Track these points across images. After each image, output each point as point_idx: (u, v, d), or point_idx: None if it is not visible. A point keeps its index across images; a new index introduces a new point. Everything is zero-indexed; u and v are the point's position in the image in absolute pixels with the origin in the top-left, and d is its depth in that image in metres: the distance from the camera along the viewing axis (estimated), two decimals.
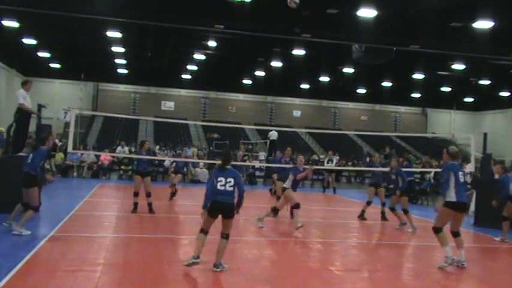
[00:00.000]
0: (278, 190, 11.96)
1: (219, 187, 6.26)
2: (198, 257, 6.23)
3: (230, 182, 6.28)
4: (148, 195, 11.03)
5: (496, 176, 10.85)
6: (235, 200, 6.38)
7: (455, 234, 7.18)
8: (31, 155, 8.36)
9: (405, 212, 10.72)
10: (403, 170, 11.31)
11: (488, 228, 10.98)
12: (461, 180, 7.06)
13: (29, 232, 7.98)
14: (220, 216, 6.36)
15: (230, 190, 6.27)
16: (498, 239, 9.70)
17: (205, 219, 6.37)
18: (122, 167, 21.92)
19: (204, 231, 6.39)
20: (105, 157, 21.61)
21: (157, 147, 26.00)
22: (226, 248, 6.35)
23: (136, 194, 11.09)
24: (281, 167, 12.25)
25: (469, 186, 16.56)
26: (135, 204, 11.10)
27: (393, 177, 11.09)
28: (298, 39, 22.10)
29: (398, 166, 11.28)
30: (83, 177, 20.73)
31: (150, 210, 10.97)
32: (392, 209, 10.87)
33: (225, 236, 6.34)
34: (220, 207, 6.28)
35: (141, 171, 11.21)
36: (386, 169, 11.87)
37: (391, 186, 11.65)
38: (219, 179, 6.29)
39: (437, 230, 7.13)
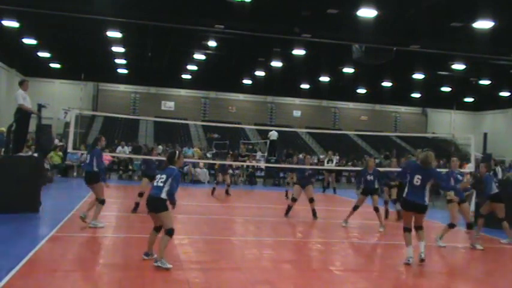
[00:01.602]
0: (296, 192, 11.84)
1: (154, 183, 6.55)
2: (148, 254, 6.55)
3: (162, 178, 6.38)
4: None
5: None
6: (164, 195, 6.31)
7: (416, 228, 7.33)
8: (88, 156, 9.20)
9: (376, 210, 10.73)
10: (380, 171, 11.29)
11: (488, 228, 10.96)
12: (416, 183, 7.17)
13: (102, 225, 8.95)
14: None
15: (160, 185, 6.34)
16: (505, 241, 9.47)
17: (151, 217, 6.59)
18: (121, 167, 21.91)
19: (155, 227, 6.56)
20: (105, 157, 21.56)
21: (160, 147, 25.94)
22: (166, 244, 6.28)
23: (141, 195, 11.15)
24: (299, 169, 12.27)
25: (469, 186, 16.56)
26: (137, 204, 11.13)
27: (369, 178, 10.79)
28: (298, 39, 22.10)
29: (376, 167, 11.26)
30: (83, 177, 20.69)
31: None
32: (377, 209, 10.81)
33: (165, 232, 6.30)
34: (149, 201, 6.43)
35: (149, 175, 11.35)
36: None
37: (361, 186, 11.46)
38: (156, 176, 6.57)
39: (404, 229, 7.37)
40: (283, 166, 21.62)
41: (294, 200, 11.84)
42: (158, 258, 6.24)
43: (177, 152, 6.82)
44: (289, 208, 11.88)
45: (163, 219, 6.33)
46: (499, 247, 9.39)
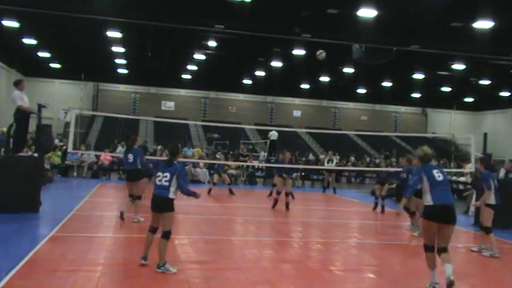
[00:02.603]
0: (279, 185, 13.38)
1: (157, 182, 6.31)
2: (145, 259, 6.26)
3: (166, 176, 6.21)
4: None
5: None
6: (172, 195, 6.23)
7: (440, 250, 5.84)
8: (130, 155, 9.71)
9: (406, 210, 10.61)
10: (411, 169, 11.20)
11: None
12: (439, 178, 5.83)
13: (142, 219, 9.58)
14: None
15: (165, 185, 6.19)
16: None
17: (151, 216, 6.41)
18: (121, 167, 21.89)
19: (151, 228, 6.35)
20: (105, 157, 21.59)
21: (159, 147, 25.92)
22: (166, 248, 6.13)
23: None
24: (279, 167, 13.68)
25: (469, 186, 16.59)
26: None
27: (403, 176, 11.03)
28: (298, 39, 22.10)
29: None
30: (83, 177, 20.74)
31: None
32: (407, 209, 10.49)
33: (163, 234, 6.13)
34: (155, 200, 6.28)
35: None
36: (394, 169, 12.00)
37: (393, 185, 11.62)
38: (158, 174, 6.34)
39: (425, 248, 5.95)
40: (284, 166, 21.58)
41: (278, 193, 13.26)
42: (161, 263, 6.09)
43: (179, 145, 6.79)
44: (275, 201, 13.22)
45: (165, 220, 6.18)
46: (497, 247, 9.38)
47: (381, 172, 14.43)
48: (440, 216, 5.74)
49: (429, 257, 5.89)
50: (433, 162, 6.34)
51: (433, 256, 5.86)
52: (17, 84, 10.66)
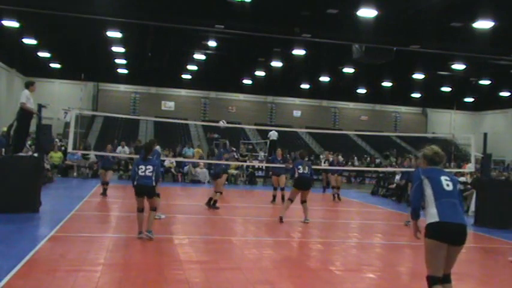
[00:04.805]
0: (274, 182, 15.02)
1: (140, 173, 7.83)
2: (141, 232, 7.88)
3: (149, 168, 7.85)
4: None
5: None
6: (154, 183, 7.97)
7: (444, 278, 4.70)
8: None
9: None
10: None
11: (488, 228, 10.97)
12: (448, 187, 4.54)
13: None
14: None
15: (149, 175, 7.84)
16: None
17: (136, 201, 7.99)
18: (121, 167, 21.88)
19: (139, 209, 7.96)
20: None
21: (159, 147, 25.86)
22: (154, 218, 8.17)
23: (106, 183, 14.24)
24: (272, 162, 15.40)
25: (469, 186, 16.60)
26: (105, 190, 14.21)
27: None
28: (298, 39, 22.08)
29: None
30: (83, 177, 20.72)
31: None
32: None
33: (152, 209, 8.00)
34: (143, 190, 7.86)
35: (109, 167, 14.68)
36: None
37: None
38: (140, 167, 7.87)
39: (431, 281, 4.68)
40: (284, 166, 21.56)
41: (275, 189, 14.78)
42: (148, 229, 7.85)
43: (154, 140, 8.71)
44: (274, 197, 14.71)
45: (153, 201, 7.95)
46: (496, 246, 9.39)
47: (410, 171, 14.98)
48: (451, 236, 4.50)
49: None
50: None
51: None
52: (31, 85, 10.87)
